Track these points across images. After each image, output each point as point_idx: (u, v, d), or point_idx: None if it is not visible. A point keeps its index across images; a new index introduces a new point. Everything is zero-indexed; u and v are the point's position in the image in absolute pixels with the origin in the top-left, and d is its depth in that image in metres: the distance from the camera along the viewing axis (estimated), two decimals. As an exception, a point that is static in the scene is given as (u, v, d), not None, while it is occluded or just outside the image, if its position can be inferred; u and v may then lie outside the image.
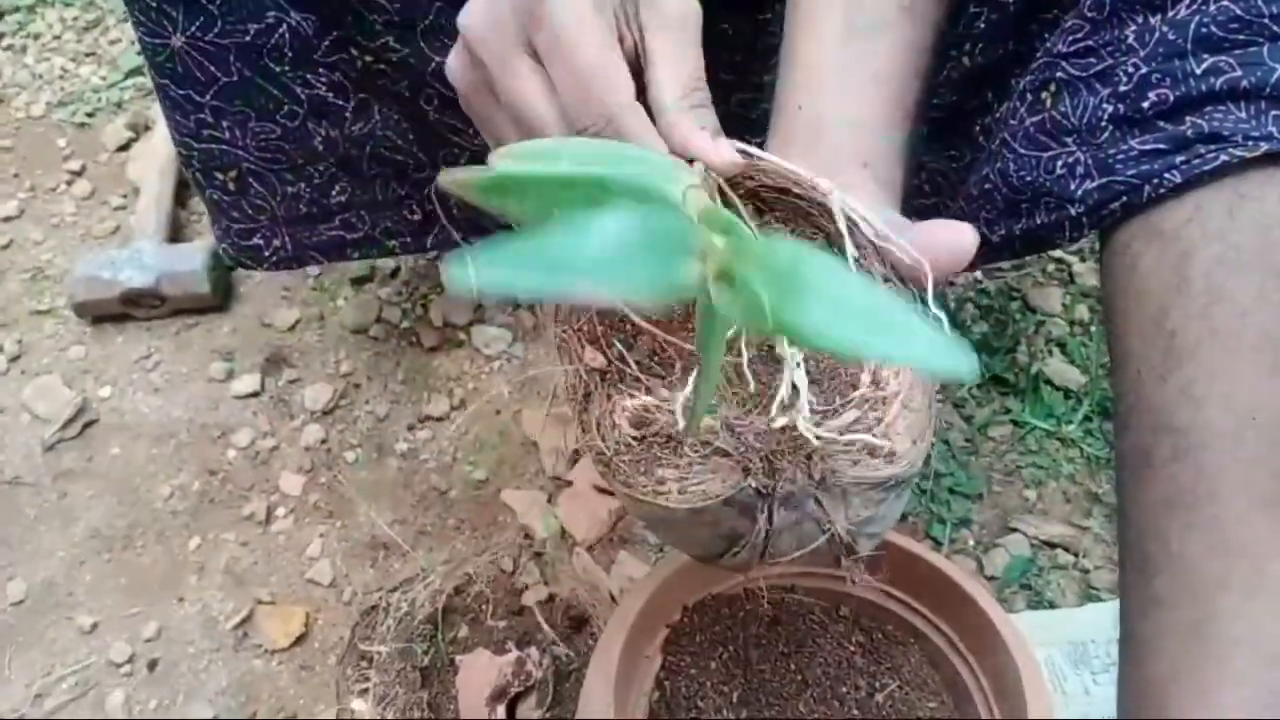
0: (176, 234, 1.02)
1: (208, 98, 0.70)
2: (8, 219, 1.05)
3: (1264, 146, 0.51)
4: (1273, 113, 0.51)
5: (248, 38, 0.68)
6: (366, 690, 0.64)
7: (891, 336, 0.28)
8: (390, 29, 0.70)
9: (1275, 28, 0.50)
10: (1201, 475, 0.55)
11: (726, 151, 0.44)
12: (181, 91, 0.70)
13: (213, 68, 0.69)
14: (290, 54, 0.70)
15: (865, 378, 0.40)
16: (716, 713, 0.61)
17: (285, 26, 0.69)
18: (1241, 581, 0.54)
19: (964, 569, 0.66)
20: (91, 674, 0.77)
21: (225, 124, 0.72)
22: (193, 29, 0.66)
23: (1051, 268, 0.97)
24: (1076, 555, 0.80)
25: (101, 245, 1.02)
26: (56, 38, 1.23)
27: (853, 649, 0.64)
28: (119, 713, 0.75)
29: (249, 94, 0.71)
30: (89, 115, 1.14)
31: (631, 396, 0.41)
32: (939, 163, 0.78)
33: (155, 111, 1.10)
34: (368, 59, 0.72)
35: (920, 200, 0.79)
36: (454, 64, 0.47)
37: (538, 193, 0.32)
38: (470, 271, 0.24)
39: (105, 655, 0.78)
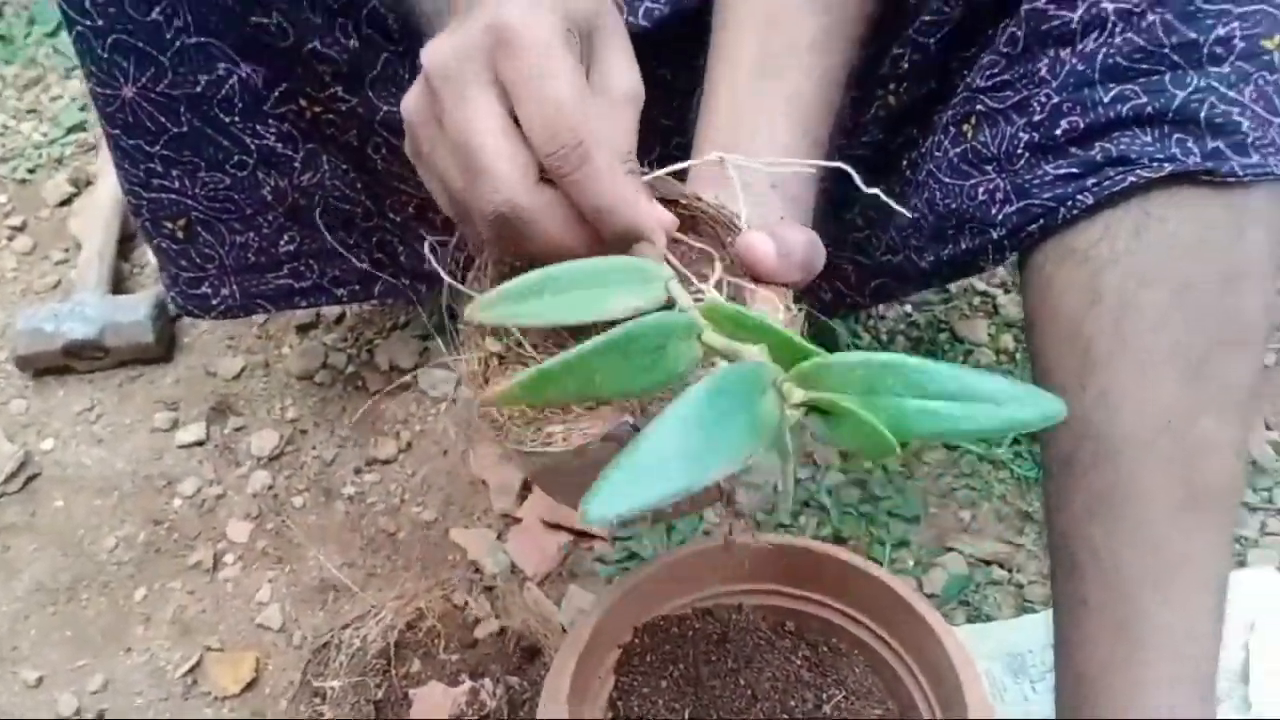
0: (119, 287, 1.02)
1: (158, 147, 0.72)
2: (-55, 275, 1.04)
3: (1168, 167, 0.55)
4: (1175, 136, 0.55)
5: (198, 89, 0.70)
6: (321, 726, 0.64)
7: (986, 405, 0.33)
8: (339, 79, 0.72)
9: (1175, 57, 0.55)
10: (1119, 480, 0.58)
11: (665, 215, 0.46)
12: (132, 141, 0.71)
13: (163, 118, 0.71)
14: (240, 105, 0.72)
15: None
16: (670, 728, 0.63)
17: (235, 78, 0.71)
18: (1162, 580, 0.58)
19: (902, 580, 0.68)
20: (37, 730, 0.76)
21: (175, 173, 0.74)
22: (144, 80, 0.68)
23: (977, 301, 1.02)
24: (1011, 571, 0.83)
25: (43, 300, 1.02)
26: (-5, 95, 1.24)
27: (799, 663, 0.66)
28: (66, 766, 0.74)
29: (199, 144, 0.73)
30: (30, 171, 1.15)
31: (524, 369, 0.42)
32: (870, 197, 0.82)
33: (97, 167, 1.11)
34: (316, 109, 0.74)
35: (854, 234, 0.83)
36: (409, 99, 0.46)
37: (574, 375, 0.35)
38: (606, 511, 0.29)
39: (53, 709, 0.77)
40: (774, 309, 0.47)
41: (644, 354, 0.37)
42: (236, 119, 0.73)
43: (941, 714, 0.62)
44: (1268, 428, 0.93)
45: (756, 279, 0.48)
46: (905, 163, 0.77)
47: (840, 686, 0.65)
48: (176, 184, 0.74)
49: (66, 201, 1.12)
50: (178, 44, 0.67)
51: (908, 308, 1.01)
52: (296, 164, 0.77)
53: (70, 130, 1.19)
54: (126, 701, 0.77)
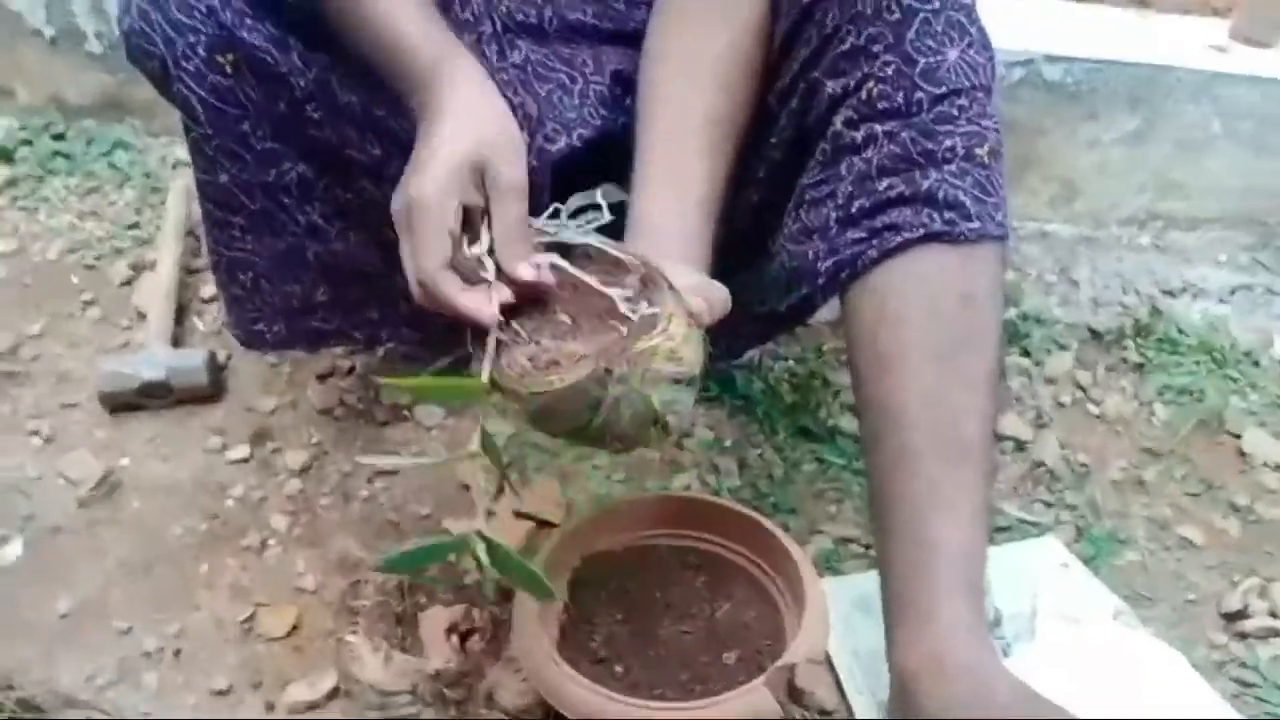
0: (176, 345, 1.29)
1: (239, 218, 1.00)
2: (34, 337, 1.31)
3: (921, 230, 0.85)
4: (925, 210, 0.85)
5: (269, 178, 0.98)
6: (356, 629, 0.89)
7: None
8: (366, 175, 1.00)
9: (921, 160, 0.85)
10: (907, 441, 0.86)
11: (488, 309, 0.73)
12: (221, 214, 0.99)
13: (244, 198, 0.98)
14: (296, 191, 1.00)
15: (660, 327, 0.72)
16: (607, 626, 0.89)
17: (294, 172, 0.99)
18: (941, 508, 0.84)
19: (775, 524, 0.94)
20: (129, 663, 0.99)
21: (249, 238, 1.01)
22: (234, 170, 0.96)
23: (844, 356, 1.32)
24: (865, 546, 1.11)
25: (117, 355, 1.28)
26: (63, 200, 1.52)
27: (699, 585, 0.93)
28: (154, 688, 0.97)
29: (267, 218, 1.01)
30: (96, 259, 1.43)
31: (523, 347, 0.73)
32: (748, 270, 1.10)
33: (155, 255, 1.39)
34: (349, 196, 1.02)
35: (740, 296, 1.12)
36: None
37: None
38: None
39: (139, 648, 1.00)
40: (683, 323, 0.75)
41: None
42: (293, 201, 1.01)
43: (793, 605, 0.89)
44: (1062, 446, 1.23)
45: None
46: (770, 241, 1.06)
47: (729, 599, 0.92)
48: (249, 245, 1.02)
49: (128, 282, 1.40)
50: (259, 148, 0.95)
51: (790, 361, 1.31)
52: (332, 235, 1.05)
53: (128, 228, 1.48)
54: (198, 642, 1.01)
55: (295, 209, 1.01)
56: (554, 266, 0.76)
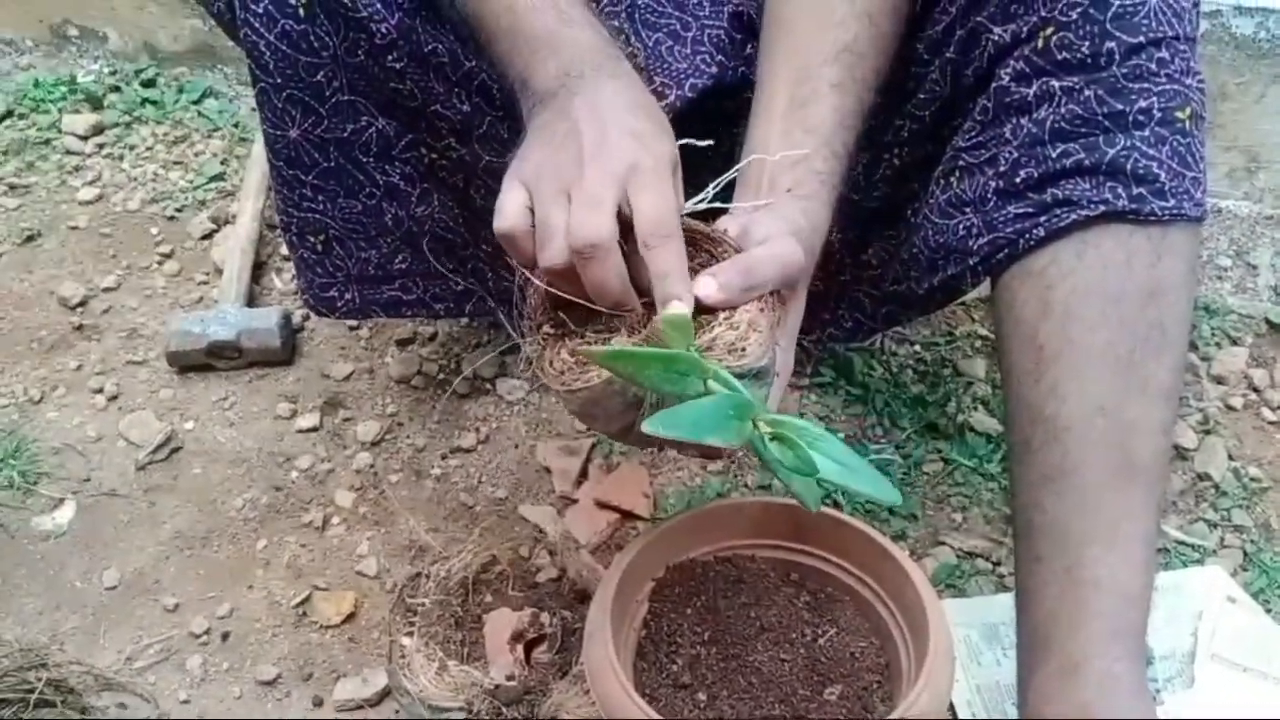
0: (251, 303, 1.21)
1: (310, 177, 0.91)
2: (107, 289, 1.25)
3: (1102, 208, 0.72)
4: (1108, 183, 0.72)
5: (345, 134, 0.89)
6: (412, 632, 0.80)
7: (856, 474, 0.58)
8: (453, 134, 0.90)
9: (1107, 123, 0.71)
10: (1067, 455, 0.73)
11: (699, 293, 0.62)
12: (291, 171, 0.90)
13: (316, 155, 0.90)
14: (375, 149, 0.91)
15: (723, 313, 0.61)
16: (691, 647, 0.77)
17: (373, 128, 0.90)
18: (1101, 537, 0.72)
19: (886, 536, 0.81)
20: (174, 643, 0.92)
21: (320, 198, 0.93)
22: (306, 124, 0.87)
23: (979, 343, 1.17)
24: (993, 563, 0.97)
25: (188, 313, 1.22)
26: (149, 149, 1.46)
27: (801, 605, 0.80)
28: (197, 673, 0.90)
29: (341, 176, 0.92)
30: (177, 210, 1.36)
31: (570, 341, 0.64)
32: (882, 241, 0.98)
33: (235, 208, 1.32)
34: (433, 156, 0.93)
35: (869, 270, 0.99)
36: (508, 200, 0.64)
37: (634, 361, 0.57)
38: (657, 429, 0.53)
39: (186, 628, 0.93)
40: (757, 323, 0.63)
41: (677, 372, 0.57)
42: (371, 159, 0.92)
43: (912, 642, 0.76)
44: (1231, 458, 1.07)
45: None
46: (910, 211, 0.93)
47: (833, 625, 0.79)
48: (320, 206, 0.93)
49: (208, 236, 1.33)
50: (334, 100, 0.86)
51: (916, 346, 1.16)
52: (413, 199, 0.95)
53: (211, 179, 1.41)
54: (248, 625, 0.93)
55: (373, 168, 0.92)
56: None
